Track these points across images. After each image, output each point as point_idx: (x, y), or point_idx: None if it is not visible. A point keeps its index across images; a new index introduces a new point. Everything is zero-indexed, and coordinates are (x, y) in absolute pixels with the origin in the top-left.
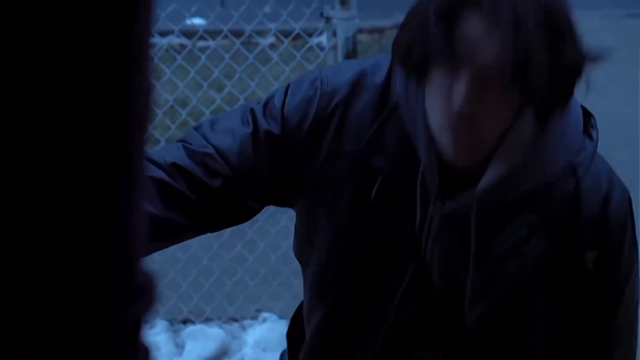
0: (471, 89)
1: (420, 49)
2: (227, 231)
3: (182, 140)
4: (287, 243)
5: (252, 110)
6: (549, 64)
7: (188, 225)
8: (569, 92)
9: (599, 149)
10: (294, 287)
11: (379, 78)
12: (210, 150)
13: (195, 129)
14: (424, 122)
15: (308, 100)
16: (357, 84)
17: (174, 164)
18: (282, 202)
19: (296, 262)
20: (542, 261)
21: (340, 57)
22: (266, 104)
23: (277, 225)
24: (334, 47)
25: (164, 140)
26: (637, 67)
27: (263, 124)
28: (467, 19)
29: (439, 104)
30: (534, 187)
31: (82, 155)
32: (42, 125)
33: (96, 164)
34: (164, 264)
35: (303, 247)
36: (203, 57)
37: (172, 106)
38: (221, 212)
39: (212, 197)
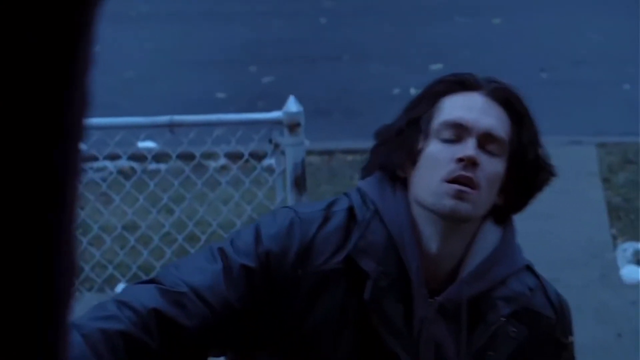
0: (476, 144)
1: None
2: None
3: (152, 281)
4: None
5: (219, 249)
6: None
7: None
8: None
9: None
10: None
11: (344, 204)
12: (184, 288)
13: (162, 271)
14: (411, 225)
15: (288, 230)
16: (328, 210)
17: (154, 310)
18: (249, 343)
19: None
20: (518, 350)
21: (289, 182)
22: (232, 242)
23: None
24: (283, 172)
25: (112, 267)
26: (580, 191)
27: (236, 260)
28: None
29: (446, 159)
30: (504, 278)
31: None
32: None
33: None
34: None
35: None
36: (152, 183)
37: (121, 232)
38: (181, 357)
39: (181, 343)
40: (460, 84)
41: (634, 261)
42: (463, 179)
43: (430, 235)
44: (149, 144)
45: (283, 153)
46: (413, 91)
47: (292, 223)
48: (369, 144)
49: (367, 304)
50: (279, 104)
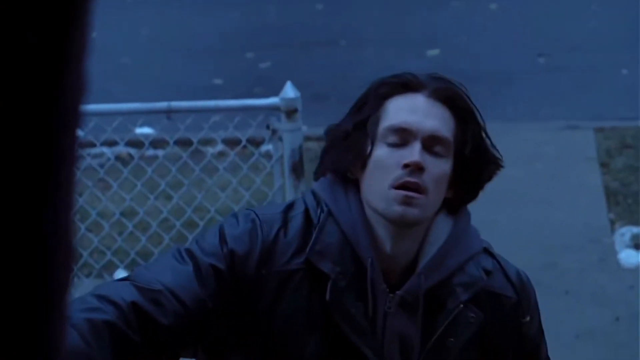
0: (421, 147)
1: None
2: None
3: (126, 279)
4: None
5: (186, 250)
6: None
7: None
8: (481, 174)
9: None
10: None
11: (300, 207)
12: (159, 286)
13: (133, 272)
14: (364, 225)
15: (250, 231)
16: (287, 213)
17: (133, 304)
18: (221, 343)
19: None
20: (479, 334)
21: (287, 168)
22: (198, 243)
23: None
24: (281, 158)
25: (110, 253)
26: (578, 176)
27: (204, 260)
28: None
29: (392, 165)
30: (461, 265)
31: None
32: None
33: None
34: None
35: None
36: (149, 169)
37: (118, 218)
38: (156, 355)
39: (158, 340)
40: (404, 85)
41: (631, 245)
42: (410, 184)
43: (384, 237)
44: (146, 130)
45: (280, 139)
46: None
47: (254, 225)
48: None
49: (328, 304)
50: (276, 90)
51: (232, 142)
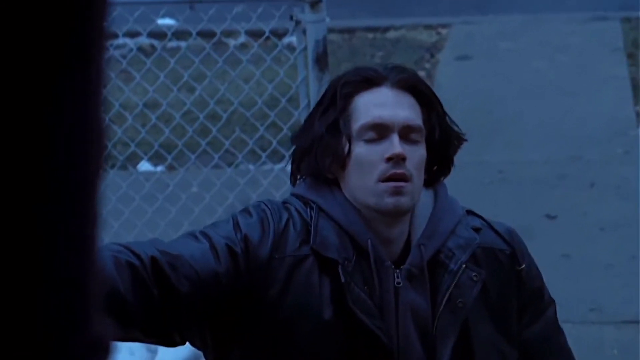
0: (399, 139)
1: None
2: None
3: (149, 242)
4: None
5: (201, 232)
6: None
7: (136, 316)
8: (451, 147)
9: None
10: None
11: (292, 208)
12: (176, 252)
13: (150, 240)
14: (357, 214)
15: (262, 220)
16: (287, 204)
17: (154, 259)
18: (229, 330)
19: None
20: (483, 291)
21: (310, 60)
22: (212, 228)
23: None
24: (304, 49)
25: (134, 145)
26: (604, 67)
27: (220, 240)
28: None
29: (375, 160)
30: (452, 229)
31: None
32: None
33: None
34: None
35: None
36: (172, 61)
37: (142, 110)
38: (167, 322)
39: (171, 301)
40: (367, 81)
41: None
42: (396, 175)
43: (378, 227)
44: (168, 21)
45: (304, 31)
46: None
47: (265, 214)
48: (389, 21)
49: (343, 287)
50: None
51: (255, 34)
